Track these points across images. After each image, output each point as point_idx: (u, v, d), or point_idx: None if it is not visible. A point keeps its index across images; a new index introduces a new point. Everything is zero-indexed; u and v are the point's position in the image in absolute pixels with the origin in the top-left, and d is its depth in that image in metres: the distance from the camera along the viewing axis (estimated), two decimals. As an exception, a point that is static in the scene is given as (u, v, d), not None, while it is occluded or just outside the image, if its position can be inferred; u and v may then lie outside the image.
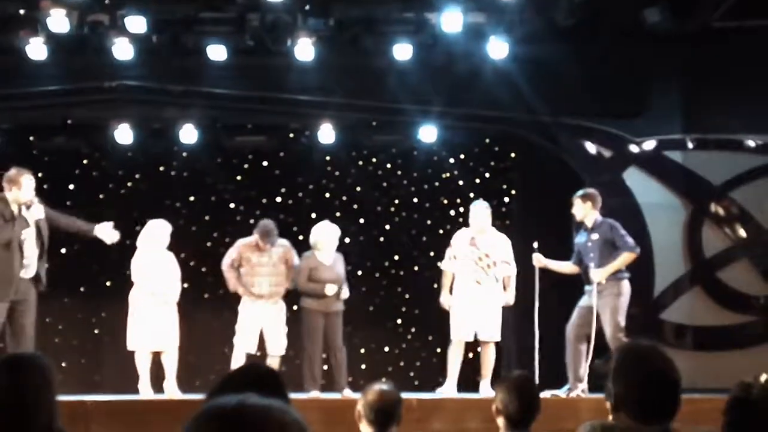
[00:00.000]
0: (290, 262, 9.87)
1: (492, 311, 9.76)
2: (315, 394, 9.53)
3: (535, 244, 9.90)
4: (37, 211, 8.77)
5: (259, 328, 9.74)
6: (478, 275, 9.73)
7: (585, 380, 9.47)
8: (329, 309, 9.79)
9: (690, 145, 12.04)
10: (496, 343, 9.87)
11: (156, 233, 9.74)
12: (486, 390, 9.60)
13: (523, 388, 4.61)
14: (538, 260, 9.80)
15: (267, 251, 9.78)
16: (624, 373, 3.18)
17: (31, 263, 8.75)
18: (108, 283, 12.26)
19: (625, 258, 9.49)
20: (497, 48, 11.20)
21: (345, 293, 9.83)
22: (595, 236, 9.58)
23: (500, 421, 4.59)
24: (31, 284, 8.79)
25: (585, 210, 9.65)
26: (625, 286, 9.57)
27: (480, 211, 9.92)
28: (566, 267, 9.90)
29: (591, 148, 12.14)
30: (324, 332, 9.80)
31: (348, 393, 9.55)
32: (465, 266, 9.77)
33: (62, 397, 8.80)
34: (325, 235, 9.97)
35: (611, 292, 9.44)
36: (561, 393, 9.41)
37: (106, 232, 9.29)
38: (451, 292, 9.88)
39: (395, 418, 4.65)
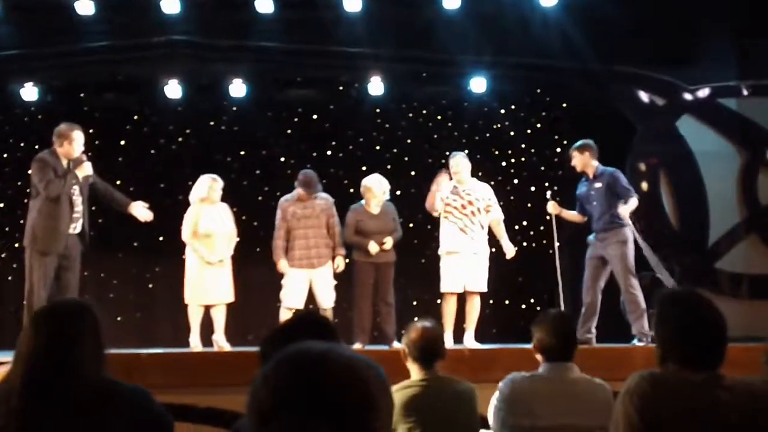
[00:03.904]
0: (331, 219, 9.83)
1: (479, 262, 9.69)
2: (364, 346, 9.55)
3: (549, 193, 9.96)
4: (88, 168, 8.81)
5: (306, 286, 9.72)
6: (462, 223, 9.67)
7: (594, 331, 9.51)
8: (380, 260, 9.76)
9: (745, 92, 11.86)
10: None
11: (209, 187, 9.73)
12: (470, 342, 9.57)
13: (558, 323, 4.77)
14: (554, 208, 9.89)
15: (310, 203, 9.75)
16: (667, 320, 3.16)
17: (79, 218, 8.81)
18: (161, 238, 12.34)
19: (635, 203, 9.55)
20: (547, -5, 11.11)
21: (389, 243, 9.76)
22: (598, 185, 9.64)
23: (539, 357, 4.77)
24: (77, 240, 8.85)
25: (584, 161, 9.72)
26: (628, 233, 9.57)
27: (458, 160, 9.83)
28: (576, 216, 9.96)
29: (644, 96, 11.99)
30: (374, 284, 9.79)
31: (397, 345, 9.54)
32: (449, 214, 9.71)
33: (118, 351, 8.91)
34: (371, 185, 9.92)
35: (616, 239, 9.49)
36: None
37: (140, 211, 9.26)
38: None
39: (439, 354, 4.81)
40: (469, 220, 9.67)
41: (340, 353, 1.68)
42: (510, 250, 9.91)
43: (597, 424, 4.64)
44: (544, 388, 4.69)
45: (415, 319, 11.39)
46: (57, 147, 8.76)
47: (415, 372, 4.79)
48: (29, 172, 8.95)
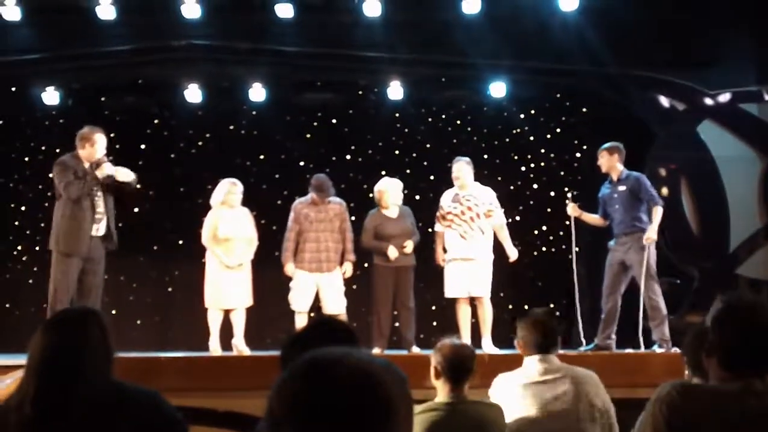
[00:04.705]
0: (344, 224, 9.82)
1: (480, 266, 9.65)
2: (383, 350, 9.52)
3: (570, 195, 9.97)
4: (108, 168, 8.82)
5: (313, 290, 9.70)
6: (462, 230, 9.66)
7: (614, 337, 9.49)
8: (399, 264, 9.75)
9: (766, 97, 11.79)
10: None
11: (228, 192, 9.73)
12: (488, 346, 9.53)
13: (539, 321, 5.02)
14: (574, 210, 9.86)
15: (323, 207, 9.75)
16: (723, 321, 3.12)
17: (102, 220, 8.82)
18: (180, 242, 12.38)
19: (659, 212, 9.47)
20: None
21: (409, 247, 9.75)
22: (621, 188, 9.60)
23: (523, 352, 5.06)
24: (101, 243, 8.85)
25: (611, 162, 9.68)
26: None
27: (460, 166, 9.81)
28: (597, 219, 9.91)
29: (664, 101, 11.95)
30: (394, 288, 9.77)
31: (416, 350, 9.53)
32: (450, 222, 9.71)
33: (137, 354, 8.92)
34: (387, 189, 9.91)
35: (639, 244, 9.40)
36: (587, 349, 9.43)
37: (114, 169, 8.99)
38: (444, 251, 9.83)
39: (471, 372, 4.69)
40: (468, 225, 9.66)
41: (355, 358, 1.66)
42: (513, 254, 9.88)
43: (586, 404, 4.86)
44: (532, 381, 4.91)
45: (434, 323, 11.48)
46: (79, 150, 8.79)
47: (443, 393, 4.67)
48: (50, 175, 8.98)
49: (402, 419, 1.66)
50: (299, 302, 9.67)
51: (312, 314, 9.66)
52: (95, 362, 3.14)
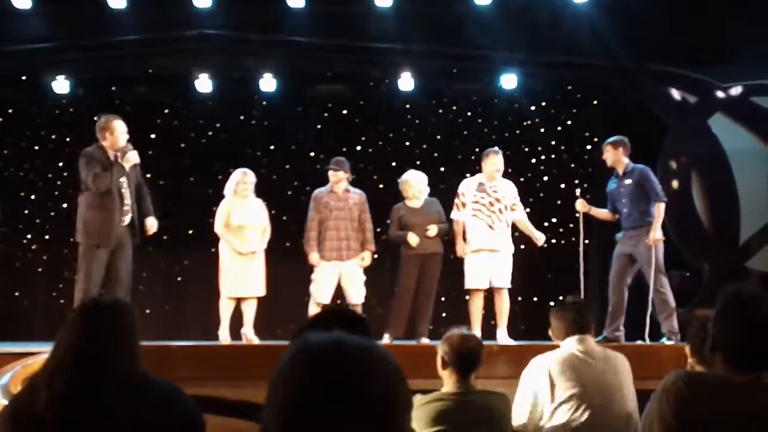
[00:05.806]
0: (363, 215, 9.81)
1: (504, 258, 9.66)
2: (392, 340, 9.51)
3: (578, 191, 10.02)
4: (133, 157, 8.77)
5: (335, 280, 9.71)
6: (490, 220, 9.65)
7: (623, 329, 9.48)
8: (426, 251, 9.72)
9: (778, 91, 11.77)
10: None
11: (239, 181, 9.72)
12: (504, 338, 9.52)
13: (572, 306, 5.35)
14: (582, 205, 9.85)
15: (343, 196, 9.74)
16: (728, 316, 3.09)
17: (129, 212, 8.77)
18: (190, 232, 12.38)
19: (661, 209, 9.45)
20: (580, -8, 11.07)
21: (432, 231, 9.74)
22: (627, 182, 9.60)
23: (557, 340, 5.36)
24: (127, 231, 8.80)
25: (616, 156, 9.67)
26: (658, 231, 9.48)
27: (496, 157, 9.81)
28: (606, 214, 9.91)
29: (676, 94, 11.92)
30: (419, 275, 9.76)
31: (425, 341, 9.51)
32: (477, 212, 9.70)
33: (147, 343, 8.90)
34: (409, 180, 9.92)
35: (646, 239, 9.38)
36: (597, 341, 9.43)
37: (151, 225, 9.13)
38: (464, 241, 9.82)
39: (478, 363, 4.68)
40: (496, 217, 9.65)
41: (356, 345, 1.65)
42: (540, 238, 9.88)
43: (625, 380, 5.17)
44: (572, 357, 5.14)
45: (443, 314, 11.47)
46: (102, 141, 8.71)
47: (450, 383, 4.67)
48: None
49: (403, 410, 1.66)
50: (321, 293, 9.67)
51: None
52: (121, 353, 3.19)
